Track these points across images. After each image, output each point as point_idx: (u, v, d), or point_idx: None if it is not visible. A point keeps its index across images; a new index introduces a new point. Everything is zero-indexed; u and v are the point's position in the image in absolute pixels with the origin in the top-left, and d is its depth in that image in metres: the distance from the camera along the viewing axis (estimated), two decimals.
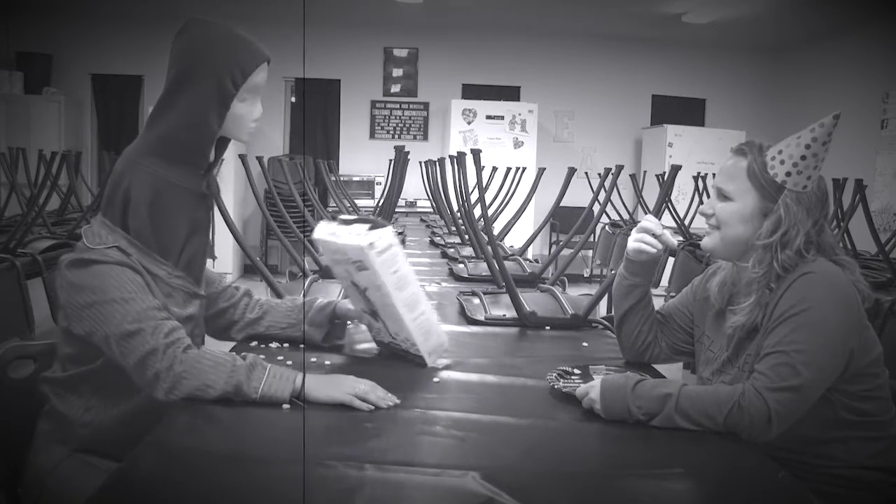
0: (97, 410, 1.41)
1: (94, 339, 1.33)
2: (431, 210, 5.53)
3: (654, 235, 1.56)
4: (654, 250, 1.56)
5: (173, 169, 1.40)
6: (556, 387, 1.40)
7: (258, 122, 1.49)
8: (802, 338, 1.29)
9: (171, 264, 1.43)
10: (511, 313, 2.07)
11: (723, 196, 1.46)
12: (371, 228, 1.45)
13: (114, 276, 1.33)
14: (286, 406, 1.27)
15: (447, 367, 1.58)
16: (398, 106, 8.34)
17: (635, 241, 1.58)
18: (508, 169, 4.71)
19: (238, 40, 1.42)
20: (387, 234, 1.45)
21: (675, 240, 1.58)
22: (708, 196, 1.58)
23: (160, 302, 1.36)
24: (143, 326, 1.30)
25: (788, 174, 1.39)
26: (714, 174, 1.56)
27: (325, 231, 1.52)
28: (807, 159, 1.38)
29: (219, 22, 1.42)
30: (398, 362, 1.60)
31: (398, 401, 1.32)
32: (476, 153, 2.31)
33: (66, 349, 1.43)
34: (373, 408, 1.29)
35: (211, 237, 1.58)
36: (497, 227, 3.60)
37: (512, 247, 3.72)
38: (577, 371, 1.48)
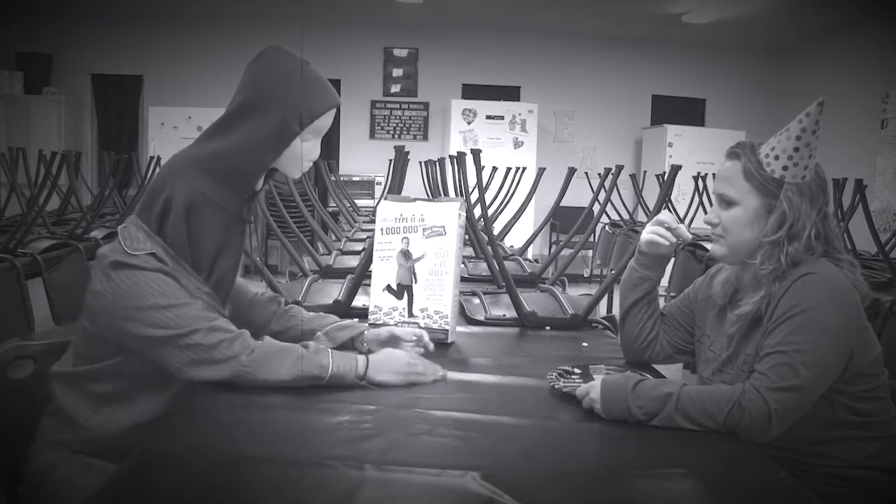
0: (103, 414, 1.41)
1: (139, 344, 1.33)
2: None
3: (669, 229, 1.56)
4: (667, 243, 1.57)
5: (217, 188, 1.39)
6: (556, 387, 1.40)
7: (312, 161, 1.50)
8: (802, 338, 1.29)
9: (202, 279, 1.42)
10: (511, 313, 2.07)
11: (724, 202, 1.46)
12: None
13: (158, 282, 1.33)
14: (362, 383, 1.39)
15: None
16: (398, 106, 8.34)
17: (649, 233, 1.59)
18: (508, 169, 4.71)
19: (312, 81, 1.42)
20: (463, 212, 1.78)
21: (689, 234, 1.59)
22: (708, 197, 1.58)
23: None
24: (199, 326, 1.32)
25: (785, 168, 1.39)
26: (714, 174, 1.56)
27: (397, 201, 1.78)
28: (800, 150, 1.38)
29: (297, 56, 1.42)
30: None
31: (445, 372, 1.49)
32: (476, 153, 2.32)
33: (83, 348, 1.43)
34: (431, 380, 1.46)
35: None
36: (497, 227, 3.60)
37: (512, 247, 3.72)
38: (577, 371, 1.48)
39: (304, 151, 1.45)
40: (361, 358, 1.42)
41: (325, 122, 1.46)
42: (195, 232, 1.39)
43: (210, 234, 1.41)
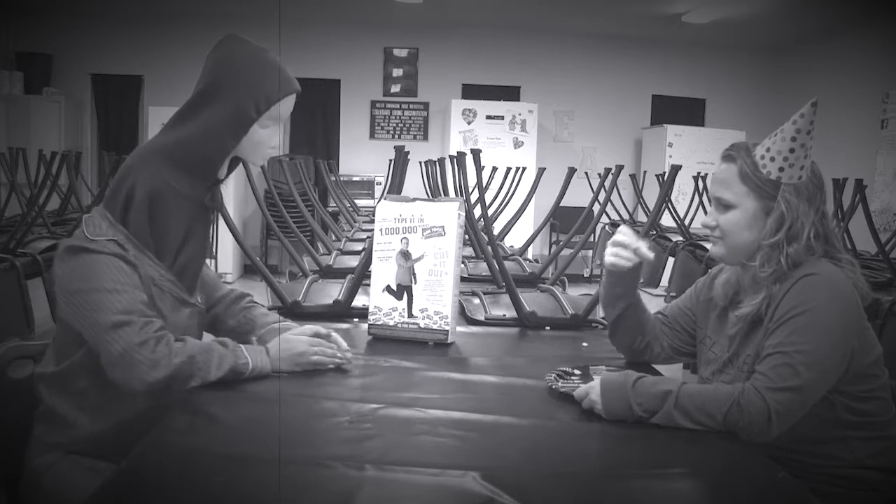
0: (90, 410, 1.41)
1: (80, 327, 1.34)
2: None
3: (630, 248, 1.53)
4: (629, 264, 1.54)
5: (179, 176, 1.40)
6: (554, 387, 1.40)
7: (275, 148, 1.50)
8: (803, 339, 1.29)
9: (166, 267, 1.43)
10: (511, 313, 2.07)
11: (722, 205, 1.45)
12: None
13: (108, 266, 1.33)
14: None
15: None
16: (398, 106, 8.34)
17: (610, 255, 1.55)
18: (508, 169, 4.71)
19: (270, 67, 1.43)
20: (462, 212, 1.77)
21: (651, 253, 1.53)
22: (708, 197, 1.56)
23: (150, 301, 1.37)
24: (133, 319, 1.31)
25: (781, 169, 1.38)
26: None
27: (397, 201, 1.77)
28: (795, 151, 1.37)
29: (255, 44, 1.43)
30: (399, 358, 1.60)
31: (350, 356, 1.53)
32: (476, 153, 2.31)
33: (59, 341, 1.43)
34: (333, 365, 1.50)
35: (213, 247, 1.59)
36: (497, 227, 3.60)
37: (512, 247, 3.72)
38: (576, 372, 1.48)
39: (264, 138, 1.46)
40: (265, 349, 1.45)
41: (284, 108, 1.46)
42: (158, 219, 1.40)
43: (173, 221, 1.42)
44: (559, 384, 1.40)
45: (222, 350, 1.38)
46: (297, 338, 1.50)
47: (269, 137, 1.47)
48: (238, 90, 1.39)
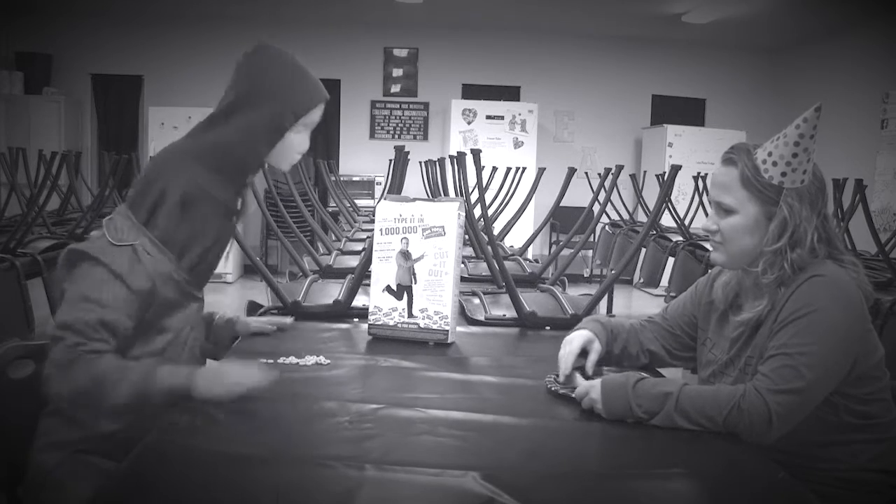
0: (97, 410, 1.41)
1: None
2: None
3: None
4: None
5: (214, 180, 1.43)
6: (553, 389, 1.41)
7: (301, 154, 1.54)
8: (806, 341, 1.28)
9: (185, 268, 1.45)
10: (511, 313, 2.07)
11: (722, 210, 1.43)
12: None
13: (91, 279, 1.32)
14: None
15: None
16: (398, 106, 8.34)
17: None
18: (508, 169, 4.71)
19: (304, 77, 1.47)
20: (462, 212, 1.77)
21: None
22: (708, 198, 1.55)
23: (152, 296, 1.36)
24: (65, 335, 1.27)
25: (784, 174, 1.36)
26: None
27: (397, 201, 1.78)
28: (798, 156, 1.36)
29: (286, 52, 1.47)
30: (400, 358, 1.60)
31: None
32: (476, 153, 2.32)
33: None
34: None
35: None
36: (497, 227, 3.60)
37: (512, 247, 3.72)
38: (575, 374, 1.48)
39: (294, 144, 1.50)
40: (190, 374, 1.29)
41: (316, 115, 1.50)
42: (188, 222, 1.41)
43: (204, 224, 1.44)
44: (558, 387, 1.41)
45: (141, 365, 1.30)
46: (230, 366, 1.40)
47: (299, 143, 1.51)
48: (275, 98, 1.43)
